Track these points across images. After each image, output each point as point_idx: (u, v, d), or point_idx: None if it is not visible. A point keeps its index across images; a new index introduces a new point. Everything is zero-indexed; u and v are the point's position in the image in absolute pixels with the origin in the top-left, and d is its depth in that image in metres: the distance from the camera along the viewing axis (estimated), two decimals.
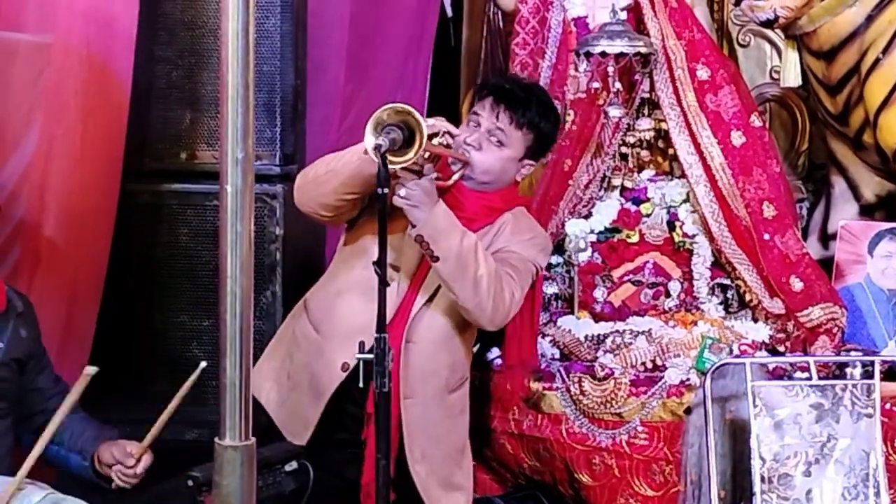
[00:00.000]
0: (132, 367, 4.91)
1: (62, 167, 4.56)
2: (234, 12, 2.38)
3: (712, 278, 4.97)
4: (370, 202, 3.95)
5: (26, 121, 4.53)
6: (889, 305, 5.02)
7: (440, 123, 3.80)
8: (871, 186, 5.44)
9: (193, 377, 3.76)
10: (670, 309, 4.96)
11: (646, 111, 5.13)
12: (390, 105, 3.58)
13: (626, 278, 5.05)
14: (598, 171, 5.09)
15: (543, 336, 4.88)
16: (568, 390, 4.62)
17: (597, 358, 4.69)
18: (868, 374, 4.34)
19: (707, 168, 4.94)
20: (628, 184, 5.13)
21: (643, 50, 4.93)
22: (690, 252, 4.99)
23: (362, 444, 3.92)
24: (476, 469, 4.69)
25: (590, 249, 5.03)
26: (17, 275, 4.45)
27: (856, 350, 4.80)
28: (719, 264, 4.96)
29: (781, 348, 4.82)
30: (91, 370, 3.61)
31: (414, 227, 3.76)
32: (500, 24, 5.80)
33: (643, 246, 5.05)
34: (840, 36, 5.18)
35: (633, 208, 5.08)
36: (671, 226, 5.04)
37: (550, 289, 5.06)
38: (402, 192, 3.71)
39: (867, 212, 5.44)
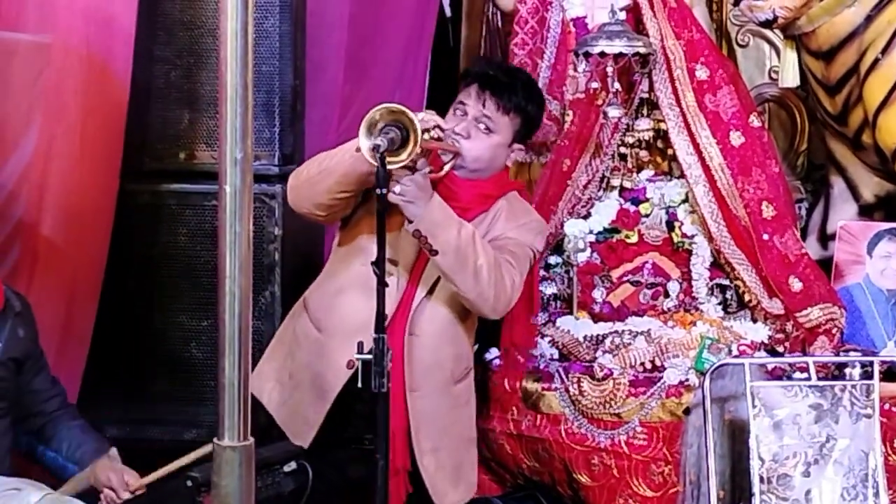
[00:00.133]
0: (131, 367, 4.91)
1: (61, 167, 4.56)
2: (232, 12, 2.38)
3: (711, 279, 4.97)
4: (364, 199, 3.96)
5: (26, 120, 4.53)
6: (888, 306, 5.02)
7: (430, 117, 3.79)
8: (870, 187, 5.44)
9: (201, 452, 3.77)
10: (669, 309, 4.95)
11: (645, 111, 5.12)
12: (383, 105, 3.58)
13: (625, 279, 5.04)
14: (597, 171, 5.09)
15: (542, 336, 4.88)
16: (567, 391, 4.62)
17: (596, 358, 4.69)
18: (867, 375, 4.34)
19: (706, 168, 4.94)
20: (627, 184, 5.13)
21: (642, 50, 4.93)
22: (689, 252, 4.98)
23: (366, 442, 3.90)
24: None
25: (589, 250, 5.03)
26: (17, 274, 4.45)
27: (855, 350, 4.79)
28: (718, 264, 4.96)
29: (780, 349, 4.82)
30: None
31: (411, 222, 3.76)
32: (499, 23, 5.80)
33: (642, 246, 5.04)
34: (839, 36, 5.18)
35: (632, 208, 5.07)
36: (670, 226, 5.03)
37: (549, 289, 5.06)
38: (397, 188, 3.71)
39: (866, 212, 5.43)
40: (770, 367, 4.59)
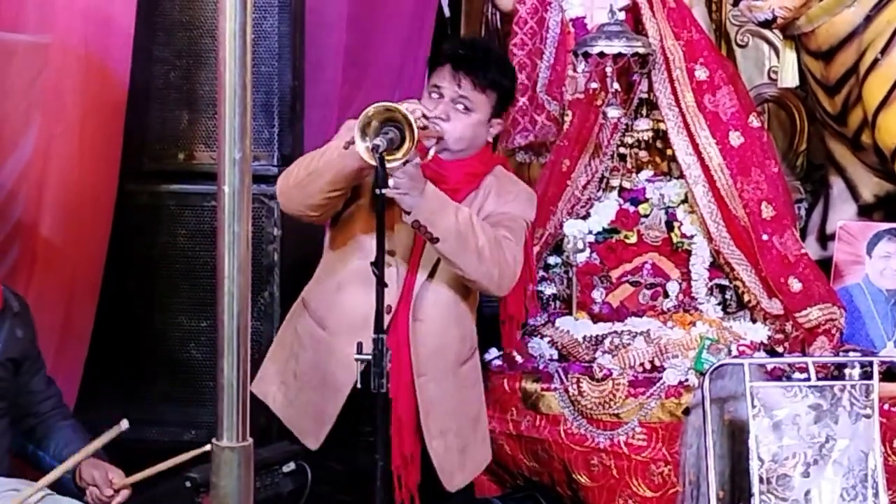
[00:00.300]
0: (130, 368, 4.91)
1: (60, 167, 4.56)
2: (231, 12, 2.37)
3: (711, 279, 4.97)
4: (354, 194, 3.95)
5: (25, 121, 4.52)
6: (887, 306, 5.02)
7: (413, 106, 3.78)
8: (870, 187, 5.44)
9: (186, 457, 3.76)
10: (668, 310, 4.95)
11: (644, 111, 5.13)
12: (375, 106, 3.57)
13: (624, 279, 5.05)
14: (597, 171, 5.09)
15: (542, 337, 4.88)
16: (566, 391, 4.62)
17: (595, 359, 4.69)
18: (867, 375, 4.34)
19: (705, 168, 4.94)
20: (626, 184, 5.13)
21: (641, 50, 4.93)
22: (689, 253, 4.99)
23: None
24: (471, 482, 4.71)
25: (588, 250, 5.03)
26: (16, 274, 4.45)
27: (854, 351, 4.80)
28: (718, 265, 4.96)
29: (780, 349, 4.82)
30: (124, 425, 3.64)
31: (408, 213, 3.75)
32: (499, 24, 5.80)
33: (641, 246, 5.05)
34: (838, 36, 5.18)
35: (632, 209, 5.08)
36: (669, 226, 5.04)
37: (549, 289, 5.07)
38: (391, 182, 3.70)
39: (865, 212, 5.44)
40: (769, 367, 4.59)
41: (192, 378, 4.90)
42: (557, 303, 5.09)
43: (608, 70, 4.91)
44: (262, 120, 4.88)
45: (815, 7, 5.15)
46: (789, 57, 5.38)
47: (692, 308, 4.94)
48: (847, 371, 4.41)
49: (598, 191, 5.12)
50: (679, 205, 5.04)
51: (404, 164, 3.65)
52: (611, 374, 4.60)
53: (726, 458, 4.40)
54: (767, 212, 4.90)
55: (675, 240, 5.02)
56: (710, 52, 5.08)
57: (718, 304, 4.98)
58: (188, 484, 3.66)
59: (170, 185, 4.98)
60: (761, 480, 4.21)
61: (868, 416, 4.25)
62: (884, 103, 5.10)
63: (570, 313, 5.00)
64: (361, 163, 3.62)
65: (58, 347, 4.49)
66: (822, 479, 4.22)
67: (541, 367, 4.78)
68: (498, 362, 4.85)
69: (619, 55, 4.90)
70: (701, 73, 4.99)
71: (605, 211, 5.08)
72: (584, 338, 4.82)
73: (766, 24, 5.26)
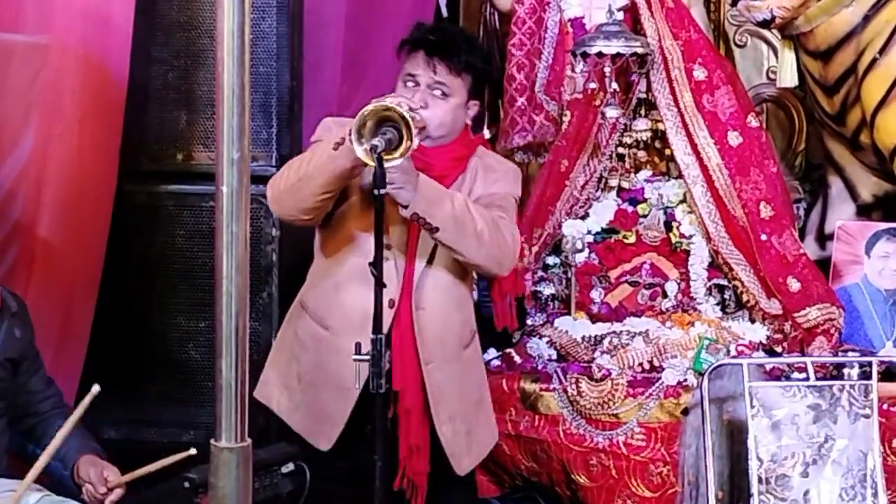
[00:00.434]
0: (129, 368, 4.90)
1: (59, 167, 4.56)
2: (229, 13, 2.37)
3: (709, 279, 4.97)
4: (342, 194, 3.94)
5: (23, 121, 4.52)
6: (886, 306, 5.02)
7: (399, 100, 3.77)
8: (868, 186, 5.44)
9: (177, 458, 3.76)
10: (667, 310, 4.95)
11: (642, 112, 5.13)
12: (372, 107, 3.56)
13: (622, 279, 5.05)
14: (595, 171, 5.09)
15: (540, 337, 4.88)
16: (565, 391, 4.62)
17: (594, 359, 4.69)
18: (865, 375, 4.34)
19: (704, 168, 4.94)
20: (625, 184, 5.13)
21: (640, 50, 4.93)
22: (687, 253, 4.99)
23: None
24: (475, 477, 4.70)
25: (587, 250, 5.03)
26: (14, 274, 4.45)
27: (853, 350, 4.80)
28: (716, 265, 4.96)
29: (779, 349, 4.82)
30: (95, 389, 3.62)
31: (405, 207, 3.75)
32: (497, 24, 5.79)
33: (640, 246, 5.05)
34: (837, 36, 5.18)
35: (630, 209, 5.08)
36: (668, 226, 5.04)
37: (547, 289, 5.07)
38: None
39: (864, 212, 5.43)
40: (768, 367, 4.59)
41: (191, 378, 4.90)
42: (556, 303, 5.09)
43: (606, 70, 4.91)
44: (260, 120, 4.87)
45: (813, 7, 5.15)
46: (788, 57, 5.37)
47: (691, 308, 4.94)
48: (846, 371, 4.42)
49: (596, 191, 5.12)
50: (678, 205, 5.04)
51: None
52: (609, 374, 4.60)
53: (725, 459, 4.40)
54: (766, 212, 4.90)
55: (673, 240, 5.02)
56: (709, 52, 5.08)
57: (717, 304, 4.98)
58: (187, 484, 3.66)
59: (168, 185, 4.98)
60: (760, 480, 4.21)
61: (867, 416, 4.25)
62: (882, 103, 5.09)
63: (568, 313, 5.00)
64: (354, 162, 3.62)
65: (56, 348, 4.49)
66: (821, 479, 4.22)
67: (539, 367, 4.78)
68: (497, 363, 4.86)
69: (618, 55, 4.90)
70: (699, 73, 4.99)
71: (604, 211, 5.07)
72: (583, 338, 4.82)
73: (765, 23, 5.26)
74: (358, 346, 3.50)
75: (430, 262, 3.97)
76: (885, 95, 5.08)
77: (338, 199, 3.95)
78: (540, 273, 5.08)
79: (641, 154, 5.17)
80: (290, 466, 3.94)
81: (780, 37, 5.49)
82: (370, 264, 3.51)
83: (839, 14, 5.15)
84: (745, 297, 4.91)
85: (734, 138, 4.95)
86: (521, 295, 4.87)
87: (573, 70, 5.12)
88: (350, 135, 3.59)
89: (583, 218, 5.07)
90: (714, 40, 5.69)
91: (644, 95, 5.09)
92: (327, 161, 3.72)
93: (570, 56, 5.13)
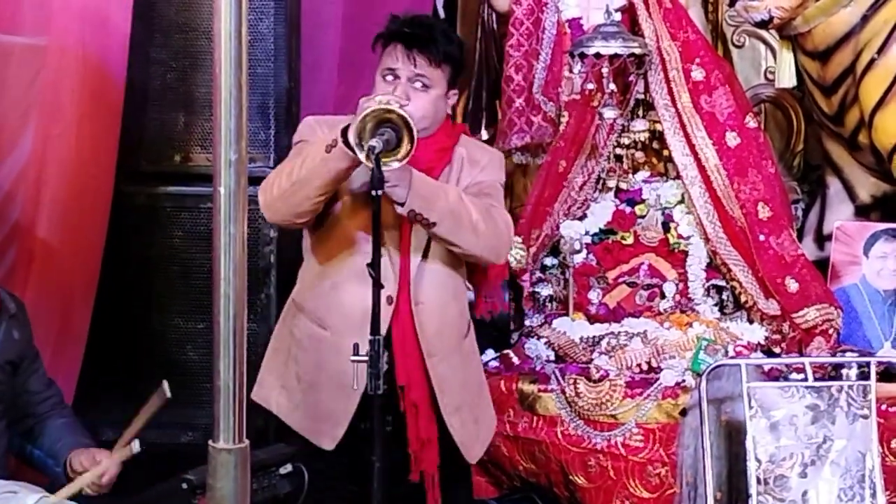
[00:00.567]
0: (128, 369, 4.90)
1: (57, 169, 4.56)
2: (227, 14, 2.37)
3: (707, 279, 4.97)
4: (332, 195, 3.93)
5: (22, 122, 4.53)
6: (885, 306, 5.02)
7: (389, 98, 3.76)
8: (867, 187, 5.44)
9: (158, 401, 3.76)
10: (665, 310, 4.95)
11: (640, 112, 5.13)
12: (371, 109, 3.55)
13: (621, 280, 5.05)
14: (593, 172, 5.09)
15: (538, 338, 4.88)
16: (563, 392, 4.62)
17: (592, 360, 4.69)
18: (864, 376, 4.33)
19: (702, 169, 4.94)
20: (623, 185, 5.14)
21: (637, 51, 4.93)
22: (685, 253, 4.99)
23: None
24: (471, 471, 4.70)
25: (585, 251, 5.03)
26: (13, 275, 4.45)
27: (851, 351, 4.80)
28: (714, 265, 4.96)
29: (777, 349, 4.82)
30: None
31: (401, 205, 3.74)
32: (494, 25, 5.78)
33: (638, 247, 5.05)
34: (835, 36, 5.18)
35: (628, 210, 5.08)
36: (666, 227, 5.04)
37: (545, 290, 5.07)
38: None
39: (862, 212, 5.43)
40: (766, 367, 4.59)
41: (189, 380, 4.89)
42: (554, 304, 5.09)
43: (604, 71, 4.91)
44: (258, 121, 4.88)
45: (811, 7, 5.15)
46: (786, 57, 5.38)
47: (689, 309, 4.94)
48: (844, 371, 4.41)
49: (594, 192, 5.12)
50: (676, 205, 5.04)
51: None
52: (608, 375, 4.60)
53: (723, 459, 4.40)
54: (764, 212, 4.90)
55: (671, 240, 5.02)
56: (707, 53, 5.08)
57: (715, 304, 4.98)
58: (185, 486, 3.66)
59: (166, 186, 4.99)
60: (758, 481, 4.20)
61: (865, 417, 4.25)
62: (881, 103, 5.09)
63: (566, 314, 5.00)
64: (348, 163, 3.62)
65: (55, 349, 4.49)
66: (820, 480, 4.22)
67: (537, 368, 4.78)
68: (495, 364, 4.86)
69: (616, 56, 4.90)
70: (697, 74, 4.99)
71: (602, 212, 5.08)
72: (581, 339, 4.82)
73: (763, 24, 5.26)
74: (356, 346, 3.50)
75: (424, 256, 3.97)
76: (884, 96, 5.08)
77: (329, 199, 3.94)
78: (538, 274, 5.08)
79: (639, 155, 5.17)
80: (289, 467, 3.93)
81: (778, 37, 5.49)
82: (368, 265, 3.51)
83: (837, 14, 5.15)
84: (743, 298, 4.91)
85: (732, 139, 4.95)
86: (505, 280, 4.86)
87: (571, 71, 5.12)
88: (343, 137, 3.59)
89: (581, 219, 5.07)
90: (712, 41, 5.69)
91: (642, 96, 5.10)
92: (320, 164, 3.71)
93: (568, 57, 5.13)
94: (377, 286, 3.48)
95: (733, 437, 4.37)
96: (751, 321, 4.90)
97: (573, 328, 4.87)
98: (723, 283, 4.97)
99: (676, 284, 4.99)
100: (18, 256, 4.53)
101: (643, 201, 5.08)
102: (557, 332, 4.87)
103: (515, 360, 4.85)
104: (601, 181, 5.13)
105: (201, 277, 4.83)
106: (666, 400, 4.54)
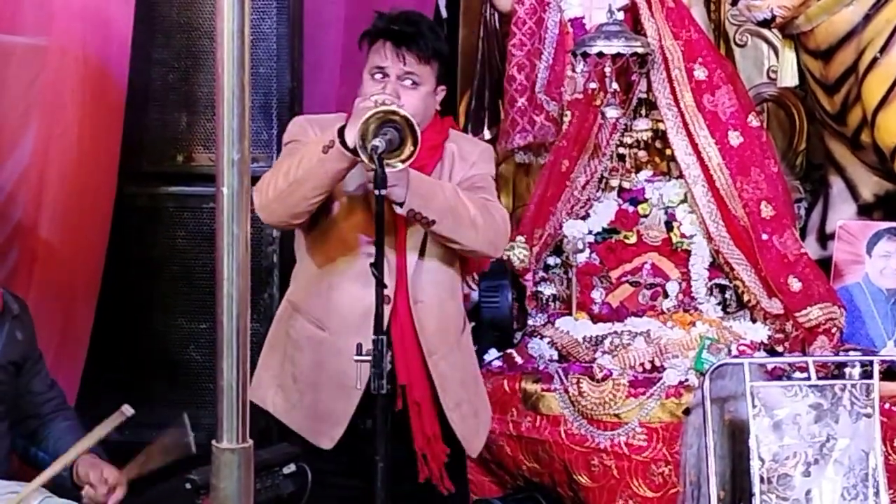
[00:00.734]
0: (130, 369, 4.91)
1: (59, 169, 4.56)
2: (229, 14, 2.36)
3: (710, 279, 4.97)
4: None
5: (23, 122, 4.53)
6: (888, 305, 5.02)
7: (384, 97, 3.75)
8: (870, 186, 5.44)
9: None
10: (668, 310, 4.95)
11: (643, 111, 5.13)
12: (373, 111, 3.55)
13: (624, 279, 5.05)
14: (596, 171, 5.09)
15: (541, 337, 4.88)
16: (566, 391, 4.62)
17: (595, 359, 4.69)
18: (867, 374, 4.33)
19: (705, 168, 4.94)
20: (626, 184, 5.13)
21: (640, 50, 4.93)
22: (688, 252, 4.99)
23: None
24: (475, 471, 4.70)
25: (587, 250, 5.03)
26: (15, 276, 4.45)
27: (854, 350, 4.79)
28: (717, 265, 4.96)
29: (780, 348, 4.82)
30: (128, 410, 3.64)
31: (400, 205, 3.73)
32: (497, 24, 5.79)
33: (641, 247, 5.05)
34: (837, 35, 5.17)
35: (631, 209, 5.08)
36: (669, 226, 5.04)
37: (548, 290, 5.07)
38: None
39: (865, 211, 5.43)
40: (770, 366, 4.59)
41: (192, 380, 4.90)
42: (557, 303, 5.09)
43: (607, 70, 4.91)
44: (260, 121, 4.88)
45: (813, 6, 5.15)
46: (788, 56, 5.37)
47: (692, 308, 4.94)
48: (847, 370, 4.40)
49: (597, 191, 5.12)
50: (678, 205, 5.04)
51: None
52: (611, 374, 4.60)
53: (727, 458, 4.40)
54: (767, 211, 4.90)
55: (674, 240, 5.02)
56: (709, 52, 5.08)
57: (718, 303, 4.98)
58: (188, 486, 3.65)
59: (169, 186, 4.99)
60: (762, 480, 4.20)
61: (868, 416, 4.25)
62: (883, 102, 5.09)
63: (569, 314, 4.99)
64: (346, 164, 3.61)
65: (57, 349, 4.49)
66: (823, 479, 4.22)
67: (541, 367, 4.78)
68: (498, 363, 4.85)
69: (618, 55, 4.90)
70: (700, 73, 4.99)
71: (605, 211, 5.08)
72: (584, 338, 4.81)
73: (765, 23, 5.26)
74: (359, 346, 3.50)
75: (421, 254, 3.96)
76: (886, 95, 5.08)
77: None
78: (541, 273, 5.08)
79: (642, 154, 5.17)
80: (292, 467, 3.93)
81: (780, 36, 5.49)
82: (371, 264, 3.50)
83: (840, 13, 5.14)
84: (746, 297, 4.91)
85: (735, 138, 4.95)
86: (484, 271, 4.86)
87: (573, 70, 5.13)
88: (340, 137, 3.58)
89: (584, 218, 5.07)
90: (714, 40, 5.69)
91: (644, 95, 5.10)
92: (317, 165, 3.70)
93: (571, 56, 5.13)
94: (380, 285, 3.48)
95: (737, 436, 4.37)
96: (754, 320, 4.90)
97: (576, 327, 4.86)
98: (726, 282, 4.97)
99: (679, 284, 4.99)
100: (21, 257, 4.53)
101: (646, 200, 5.08)
102: (560, 331, 4.87)
103: (519, 359, 4.85)
104: (604, 180, 5.12)
105: (204, 277, 4.83)
106: (669, 399, 4.53)
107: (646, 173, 5.15)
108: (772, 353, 4.79)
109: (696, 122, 4.95)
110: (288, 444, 4.04)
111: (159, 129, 4.99)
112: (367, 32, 4.01)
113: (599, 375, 4.59)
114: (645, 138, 5.14)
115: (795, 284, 4.83)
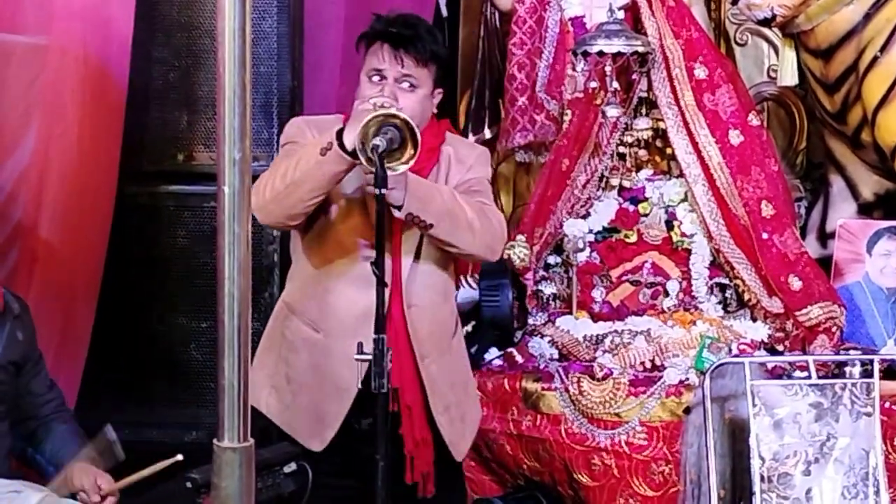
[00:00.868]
0: (131, 369, 4.91)
1: (60, 169, 4.56)
2: (230, 13, 2.36)
3: (711, 278, 4.97)
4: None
5: (24, 122, 4.53)
6: (888, 304, 5.02)
7: (383, 100, 3.75)
8: (870, 185, 5.44)
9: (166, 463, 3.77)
10: (669, 309, 4.95)
11: (643, 110, 5.12)
12: (373, 115, 3.54)
13: (624, 278, 5.05)
14: (596, 170, 5.09)
15: (542, 336, 4.88)
16: (567, 390, 4.62)
17: (595, 358, 4.69)
18: (867, 373, 4.33)
19: (705, 167, 4.94)
20: (626, 183, 5.13)
21: (641, 49, 4.93)
22: (689, 251, 4.99)
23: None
24: (475, 470, 4.70)
25: (588, 249, 5.03)
26: (16, 276, 4.45)
27: (855, 349, 4.79)
28: (718, 264, 4.96)
29: (780, 347, 4.82)
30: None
31: (398, 208, 3.73)
32: (497, 23, 5.79)
33: (641, 245, 5.05)
34: (838, 34, 5.17)
35: (632, 208, 5.08)
36: (669, 225, 5.04)
37: (549, 289, 5.07)
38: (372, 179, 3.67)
39: (865, 210, 5.43)
40: (770, 365, 4.59)
41: (193, 379, 4.90)
42: (558, 302, 5.09)
43: (607, 69, 4.91)
44: (261, 120, 4.88)
45: (814, 5, 5.15)
46: (788, 55, 5.37)
47: (692, 307, 4.94)
48: (848, 369, 4.40)
49: (597, 190, 5.12)
50: (679, 204, 5.04)
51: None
52: (611, 373, 4.60)
53: (727, 457, 4.40)
54: (767, 210, 4.90)
55: (675, 239, 5.02)
56: (710, 51, 5.08)
57: (719, 302, 4.97)
58: (189, 485, 3.65)
59: (169, 186, 4.99)
60: (762, 479, 4.20)
61: (869, 415, 4.25)
62: (883, 101, 5.09)
63: (570, 313, 4.99)
64: (344, 166, 3.61)
65: (58, 349, 4.49)
66: (823, 478, 4.22)
67: (541, 366, 4.78)
68: (498, 362, 4.85)
69: (619, 54, 4.90)
70: (700, 72, 4.99)
71: (605, 210, 5.07)
72: (585, 337, 4.81)
73: (766, 22, 5.26)
74: (360, 345, 3.50)
75: (416, 258, 3.97)
76: (886, 94, 5.08)
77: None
78: (541, 272, 5.08)
79: (642, 153, 5.16)
80: (293, 466, 3.93)
81: (780, 35, 5.49)
82: (372, 264, 3.50)
83: (840, 12, 5.15)
84: (746, 296, 4.91)
85: (735, 137, 4.95)
86: (484, 271, 4.87)
87: (574, 69, 5.12)
88: (338, 140, 3.58)
89: (584, 217, 5.07)
90: (715, 39, 5.69)
91: (645, 94, 5.09)
92: (315, 167, 3.69)
93: (571, 55, 5.13)
94: (381, 284, 3.47)
95: (737, 435, 4.37)
96: (754, 319, 4.89)
97: (577, 326, 4.86)
98: (726, 281, 4.96)
99: (680, 282, 4.99)
100: (21, 257, 4.53)
101: (646, 199, 5.08)
102: (561, 330, 4.87)
103: (519, 358, 4.85)
104: (604, 179, 5.12)
105: (205, 277, 4.84)
106: (669, 398, 4.53)
107: (646, 172, 5.15)
108: (772, 351, 4.79)
109: (697, 121, 4.95)
110: (289, 442, 4.05)
111: (160, 128, 4.99)
112: (364, 35, 4.00)
113: (600, 374, 4.59)
114: (645, 137, 5.13)
115: (796, 283, 4.83)
